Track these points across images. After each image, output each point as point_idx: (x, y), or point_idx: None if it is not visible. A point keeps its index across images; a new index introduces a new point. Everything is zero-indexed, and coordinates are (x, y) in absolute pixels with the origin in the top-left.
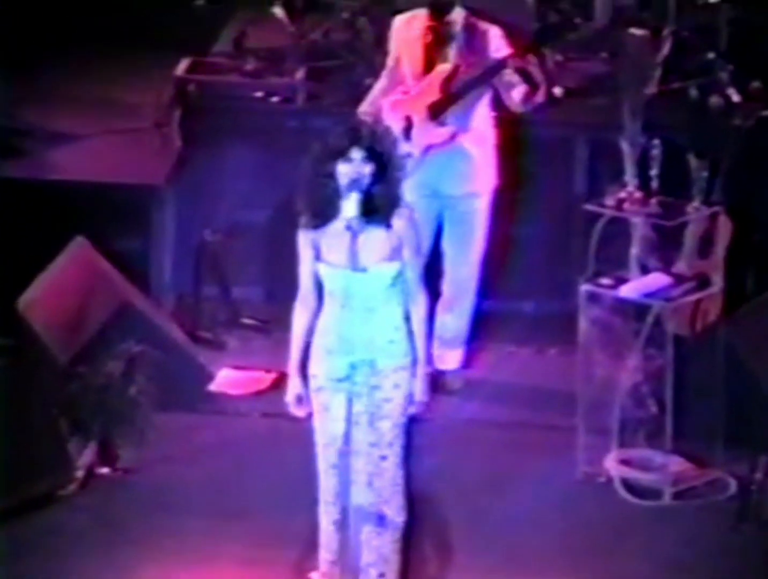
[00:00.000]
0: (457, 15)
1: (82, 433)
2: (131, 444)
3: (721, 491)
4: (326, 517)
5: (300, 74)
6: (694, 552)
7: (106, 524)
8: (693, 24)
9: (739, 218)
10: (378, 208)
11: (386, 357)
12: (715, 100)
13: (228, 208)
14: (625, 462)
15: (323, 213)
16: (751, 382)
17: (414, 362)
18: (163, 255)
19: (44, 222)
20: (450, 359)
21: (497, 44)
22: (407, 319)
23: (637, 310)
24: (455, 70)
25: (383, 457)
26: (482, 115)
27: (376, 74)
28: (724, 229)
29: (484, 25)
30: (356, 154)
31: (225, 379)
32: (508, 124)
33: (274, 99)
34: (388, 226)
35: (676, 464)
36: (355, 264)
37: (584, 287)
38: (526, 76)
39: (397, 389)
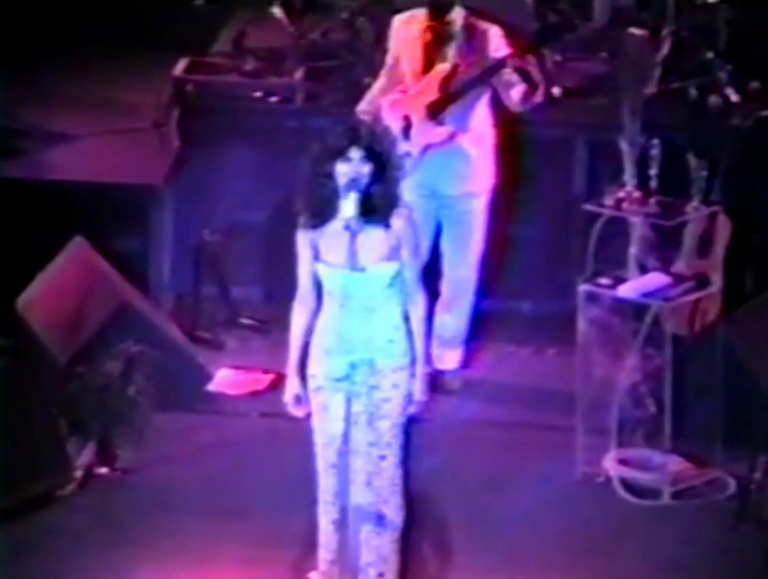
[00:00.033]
0: (457, 14)
1: (81, 433)
2: (130, 444)
3: (720, 491)
4: (325, 517)
5: (299, 74)
6: (693, 552)
7: (105, 524)
8: (692, 24)
9: (739, 218)
10: (377, 207)
11: (385, 357)
12: (714, 99)
13: (227, 208)
14: (623, 462)
15: (322, 213)
16: (750, 381)
17: (413, 362)
18: (162, 255)
19: (43, 222)
20: (449, 359)
21: (496, 44)
22: (406, 318)
23: (635, 309)
24: (454, 69)
25: (382, 457)
26: (481, 115)
27: (375, 74)
28: (723, 228)
29: (483, 25)
30: (355, 153)
31: (224, 379)
32: (507, 123)
33: (273, 99)
34: (387, 225)
35: (675, 464)
36: (353, 264)
37: (583, 287)
38: (525, 76)
39: (396, 389)
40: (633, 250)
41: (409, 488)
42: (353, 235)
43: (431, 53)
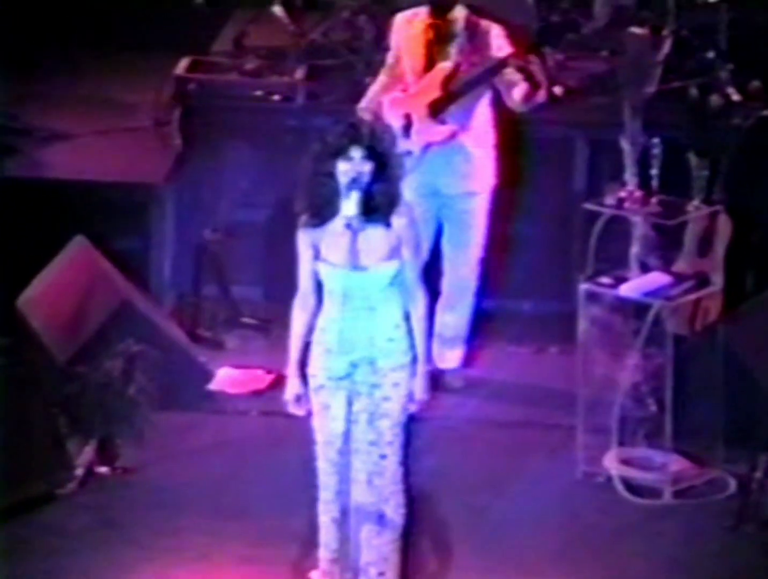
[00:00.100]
0: (459, 13)
1: (81, 432)
2: (130, 443)
3: (721, 490)
4: (326, 516)
5: (300, 73)
6: (694, 551)
7: (106, 523)
8: (693, 23)
9: (739, 217)
10: (377, 207)
11: (386, 356)
12: (715, 99)
13: (228, 208)
14: (624, 461)
15: (323, 212)
16: (751, 380)
17: (414, 361)
18: (162, 254)
19: (44, 221)
20: (450, 358)
21: (498, 43)
22: (407, 317)
23: (636, 309)
24: (456, 68)
25: (383, 456)
26: (482, 114)
27: (375, 73)
28: (724, 228)
29: (485, 24)
30: (356, 152)
31: (224, 378)
32: (508, 123)
33: (274, 98)
34: (388, 225)
35: (676, 463)
36: (354, 263)
37: (584, 286)
38: (526, 75)
39: (396, 388)
40: (634, 250)
41: (409, 487)
42: (354, 235)
43: (432, 52)
